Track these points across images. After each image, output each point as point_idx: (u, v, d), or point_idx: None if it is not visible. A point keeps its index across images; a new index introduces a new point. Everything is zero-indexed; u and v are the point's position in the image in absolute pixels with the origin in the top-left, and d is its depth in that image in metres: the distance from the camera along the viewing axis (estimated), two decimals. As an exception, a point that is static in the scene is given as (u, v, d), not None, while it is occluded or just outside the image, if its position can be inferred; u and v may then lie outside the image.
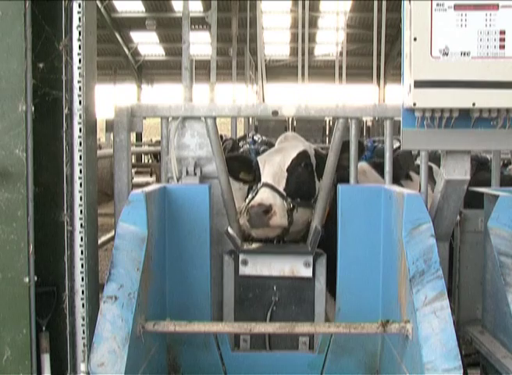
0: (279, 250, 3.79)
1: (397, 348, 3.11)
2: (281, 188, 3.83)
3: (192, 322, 2.94)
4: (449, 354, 2.61)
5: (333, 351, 3.62)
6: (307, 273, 3.72)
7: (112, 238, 3.67)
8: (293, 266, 3.71)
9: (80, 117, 3.31)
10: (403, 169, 4.57)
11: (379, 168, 4.24)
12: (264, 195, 3.75)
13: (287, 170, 3.92)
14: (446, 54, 3.09)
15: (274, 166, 3.93)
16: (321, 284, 3.83)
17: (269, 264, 3.73)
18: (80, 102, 3.31)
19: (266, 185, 3.81)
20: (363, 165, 4.67)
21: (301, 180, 3.96)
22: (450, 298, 3.61)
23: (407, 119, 3.24)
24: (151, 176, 17.82)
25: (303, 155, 4.02)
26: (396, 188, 3.42)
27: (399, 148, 4.35)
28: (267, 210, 3.66)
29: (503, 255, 3.32)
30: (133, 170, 15.27)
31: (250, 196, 3.88)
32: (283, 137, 4.32)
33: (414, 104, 3.10)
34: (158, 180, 14.67)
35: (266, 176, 3.88)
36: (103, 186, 12.10)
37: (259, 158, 4.09)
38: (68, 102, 3.31)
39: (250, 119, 16.75)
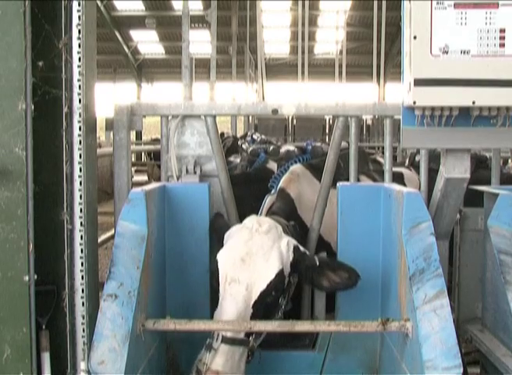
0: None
1: (397, 346, 3.11)
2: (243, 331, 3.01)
3: (192, 320, 2.94)
4: (449, 352, 2.61)
5: (333, 349, 3.62)
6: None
7: (112, 237, 3.67)
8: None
9: (80, 116, 3.31)
10: (346, 170, 4.06)
11: (316, 169, 4.08)
12: (220, 361, 2.92)
13: (253, 307, 3.04)
14: (446, 52, 3.09)
15: (237, 301, 3.01)
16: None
17: None
18: (79, 101, 3.31)
19: (226, 341, 2.95)
20: (295, 168, 4.32)
21: (268, 308, 3.14)
22: (450, 296, 3.61)
23: (407, 118, 3.24)
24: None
25: (276, 280, 3.09)
26: (396, 187, 3.41)
27: (346, 148, 4.12)
28: None
29: (502, 254, 3.32)
30: (133, 169, 15.26)
31: (203, 350, 2.98)
32: (255, 222, 3.23)
33: (414, 102, 3.10)
34: (150, 179, 14.58)
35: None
36: (103, 184, 12.11)
37: (220, 262, 3.15)
38: (68, 101, 3.30)
39: (250, 118, 16.75)
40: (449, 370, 2.57)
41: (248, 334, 3.02)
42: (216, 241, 3.48)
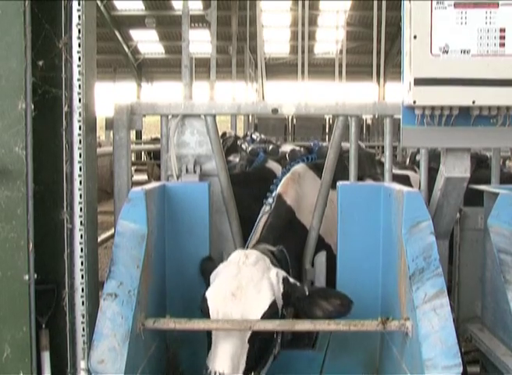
0: None
1: (397, 345, 3.11)
2: (241, 368, 2.89)
3: (192, 319, 2.93)
4: (448, 351, 2.61)
5: (333, 349, 3.62)
6: None
7: (112, 236, 3.68)
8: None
9: (80, 115, 3.31)
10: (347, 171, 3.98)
11: (320, 169, 4.01)
12: None
13: (249, 341, 2.92)
14: (446, 52, 3.09)
15: (232, 337, 2.90)
16: (320, 283, 3.83)
17: None
18: (79, 100, 3.31)
19: None
20: (298, 168, 4.29)
21: (264, 344, 3.02)
22: (450, 295, 3.61)
23: (407, 117, 3.24)
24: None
25: (270, 313, 2.97)
26: (396, 186, 3.42)
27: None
28: None
29: (502, 253, 3.32)
30: (133, 168, 15.26)
31: None
32: (242, 256, 3.13)
33: (414, 102, 3.10)
34: (150, 179, 14.43)
35: (222, 362, 2.85)
36: (103, 184, 12.09)
37: (210, 299, 3.02)
38: (67, 100, 3.31)
39: (250, 118, 16.74)
40: (449, 369, 2.57)
41: (246, 373, 2.90)
42: (205, 283, 3.33)
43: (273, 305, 2.98)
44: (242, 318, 2.91)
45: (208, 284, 3.15)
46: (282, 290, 3.08)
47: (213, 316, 2.96)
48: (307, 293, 3.11)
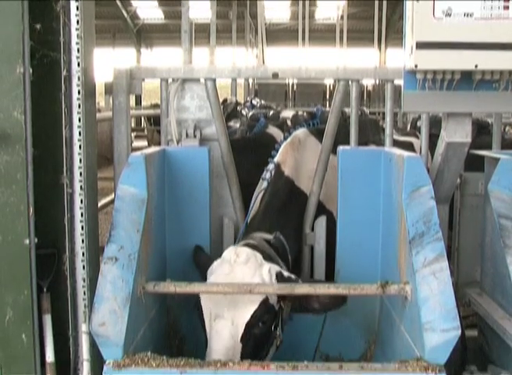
0: None
1: (396, 309, 3.13)
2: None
3: (192, 283, 2.95)
4: (447, 315, 2.62)
5: (332, 313, 3.64)
6: None
7: (112, 201, 3.68)
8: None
9: (79, 79, 3.29)
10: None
11: (321, 134, 3.98)
12: None
13: (242, 340, 2.93)
14: (449, 15, 3.06)
15: (224, 337, 2.91)
16: (320, 247, 3.84)
17: None
18: (78, 64, 3.29)
19: None
20: (298, 133, 4.23)
21: (260, 341, 3.02)
22: (450, 260, 3.63)
23: (409, 82, 3.22)
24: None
25: (261, 310, 2.97)
26: (397, 151, 3.40)
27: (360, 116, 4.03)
28: None
29: (502, 218, 3.32)
30: (133, 134, 15.20)
31: None
32: (232, 254, 3.10)
33: (416, 66, 3.07)
34: (150, 145, 14.37)
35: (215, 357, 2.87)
36: (103, 150, 12.05)
37: (202, 300, 3.04)
38: (66, 64, 3.28)
39: (250, 84, 16.64)
40: (448, 332, 2.58)
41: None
42: (200, 277, 3.34)
43: (264, 302, 2.97)
44: (233, 318, 2.92)
45: (202, 277, 3.21)
46: None
47: (206, 316, 2.99)
48: None
